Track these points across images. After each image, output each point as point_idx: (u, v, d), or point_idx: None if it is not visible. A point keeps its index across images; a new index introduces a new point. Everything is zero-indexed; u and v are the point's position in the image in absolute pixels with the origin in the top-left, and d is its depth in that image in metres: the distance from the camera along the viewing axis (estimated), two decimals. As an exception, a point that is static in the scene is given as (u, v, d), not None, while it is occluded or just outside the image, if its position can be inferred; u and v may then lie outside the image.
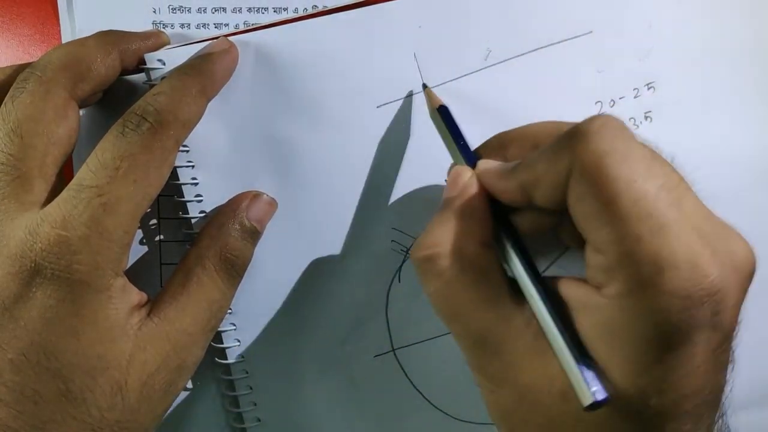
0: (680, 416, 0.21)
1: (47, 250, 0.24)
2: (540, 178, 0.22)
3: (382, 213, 0.31)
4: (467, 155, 0.27)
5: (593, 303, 0.21)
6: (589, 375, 0.21)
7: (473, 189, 0.25)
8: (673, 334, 0.20)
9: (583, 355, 0.21)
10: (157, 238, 0.32)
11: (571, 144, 0.21)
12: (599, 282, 0.21)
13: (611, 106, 0.31)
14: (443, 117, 0.28)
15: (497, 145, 0.27)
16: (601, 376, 0.21)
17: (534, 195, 0.23)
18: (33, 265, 0.24)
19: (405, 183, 0.31)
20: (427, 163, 0.31)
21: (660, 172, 0.21)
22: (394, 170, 0.31)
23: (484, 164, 0.26)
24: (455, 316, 0.23)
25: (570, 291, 0.22)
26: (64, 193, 0.25)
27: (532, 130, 0.26)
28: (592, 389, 0.20)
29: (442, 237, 0.24)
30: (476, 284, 0.23)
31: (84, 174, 0.25)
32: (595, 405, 0.20)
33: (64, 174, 0.28)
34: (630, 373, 0.20)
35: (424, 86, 0.30)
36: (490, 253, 0.24)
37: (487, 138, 0.28)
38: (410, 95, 0.31)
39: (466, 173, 0.26)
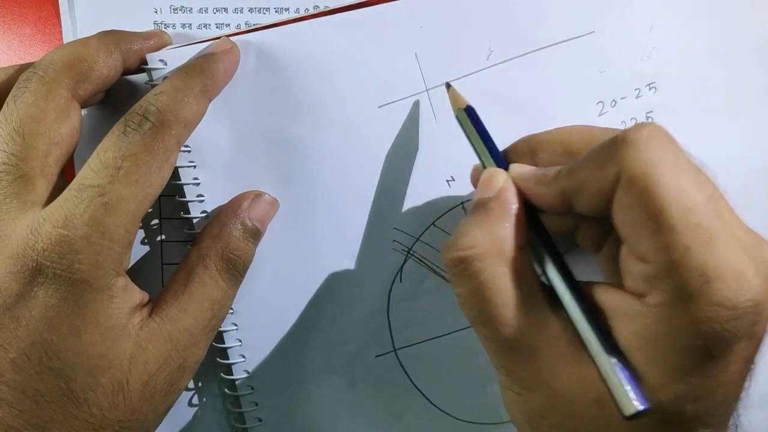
0: (711, 422, 0.21)
1: (49, 249, 0.24)
2: (584, 185, 0.22)
3: (384, 213, 0.31)
4: (497, 158, 0.26)
5: (633, 311, 0.21)
6: (631, 384, 0.21)
7: (510, 192, 0.25)
8: (717, 343, 0.20)
9: (622, 363, 0.21)
10: (159, 238, 0.32)
11: (618, 152, 0.21)
12: (641, 290, 0.21)
13: (613, 106, 0.31)
14: (471, 118, 0.27)
15: (526, 149, 0.26)
16: (640, 383, 0.21)
17: (576, 202, 0.23)
18: (35, 264, 0.24)
19: (405, 183, 0.31)
20: (428, 163, 0.31)
21: (707, 183, 0.21)
22: (395, 170, 0.31)
23: (519, 167, 0.26)
24: (488, 319, 0.23)
25: (607, 298, 0.22)
26: (65, 193, 0.25)
27: (563, 135, 0.26)
28: (632, 399, 0.20)
29: (477, 239, 0.23)
30: (512, 288, 0.23)
31: (86, 173, 0.25)
32: (636, 414, 0.20)
33: (66, 174, 0.28)
34: (669, 381, 0.20)
35: (448, 85, 0.29)
36: (526, 257, 0.24)
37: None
38: (416, 101, 0.30)
39: (501, 176, 0.25)
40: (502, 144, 0.27)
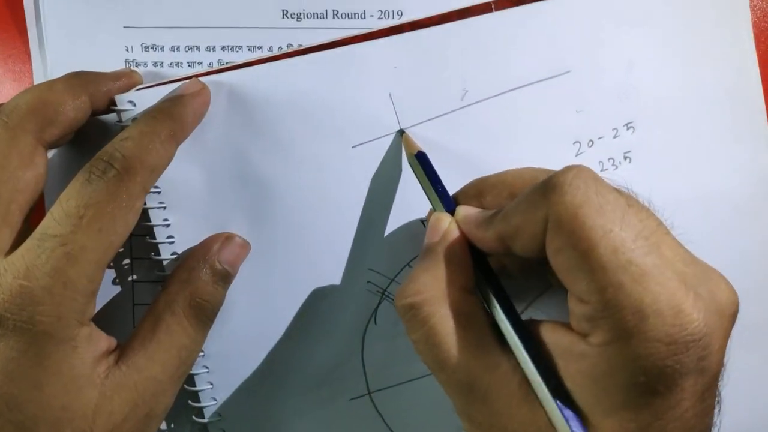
0: None
1: (9, 301, 0.24)
2: (517, 230, 0.23)
3: (358, 253, 0.31)
4: (446, 201, 0.27)
5: (578, 350, 0.21)
6: (575, 423, 0.20)
7: (454, 236, 0.25)
8: (660, 379, 0.20)
9: (568, 402, 0.21)
10: (130, 278, 0.31)
11: (545, 196, 0.21)
12: (584, 330, 0.21)
13: (590, 146, 0.31)
14: (421, 163, 0.28)
15: (474, 192, 0.27)
16: (587, 423, 0.21)
17: (512, 245, 0.23)
18: (-5, 316, 0.24)
19: (381, 223, 0.31)
20: (402, 203, 0.31)
21: (636, 219, 0.21)
22: (369, 210, 0.31)
23: (463, 210, 0.26)
24: (441, 363, 0.23)
25: (554, 337, 0.22)
26: (28, 242, 0.25)
27: (509, 178, 0.26)
28: None
29: (425, 284, 0.24)
30: (461, 331, 0.23)
31: (48, 223, 0.24)
32: None
33: (38, 212, 0.27)
34: (616, 419, 0.20)
35: (401, 132, 0.30)
36: (474, 299, 0.24)
37: (464, 180, 0.28)
38: (399, 131, 0.30)
39: (446, 220, 0.26)
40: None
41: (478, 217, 0.25)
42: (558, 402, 0.21)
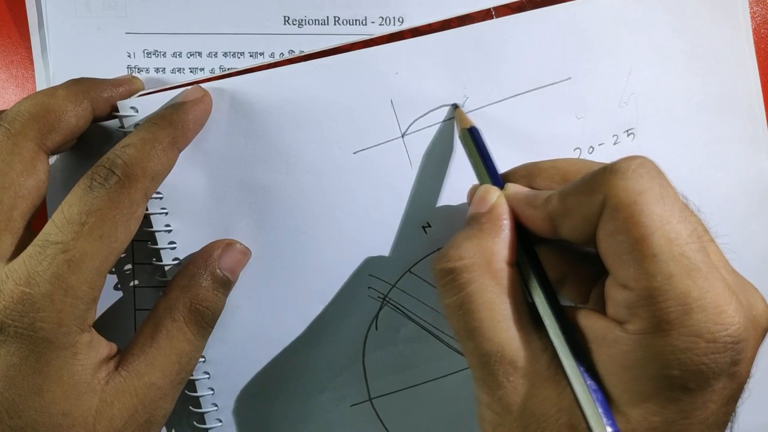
0: None
1: (10, 307, 0.24)
2: (571, 210, 0.23)
3: (360, 259, 0.31)
4: (495, 178, 0.27)
5: (612, 336, 0.21)
6: (604, 408, 0.20)
7: (502, 209, 0.25)
8: (693, 375, 0.20)
9: (597, 387, 0.21)
10: (132, 284, 0.31)
11: (605, 180, 0.21)
12: (621, 317, 0.21)
13: (590, 153, 0.31)
14: (473, 138, 0.28)
15: (524, 174, 0.27)
16: (614, 410, 0.21)
17: (562, 226, 0.23)
18: (-4, 322, 0.24)
19: (381, 230, 0.31)
20: (405, 209, 0.31)
21: (692, 217, 0.21)
22: (370, 216, 0.31)
23: (513, 188, 0.26)
24: (473, 331, 0.23)
25: (589, 322, 0.22)
26: (29, 249, 0.25)
27: (562, 164, 0.26)
28: (605, 423, 0.20)
29: (468, 250, 0.24)
30: (498, 302, 0.23)
31: (50, 229, 0.25)
32: None
33: (40, 219, 0.27)
34: (643, 410, 0.20)
35: (455, 106, 0.30)
36: (513, 273, 0.24)
37: (466, 184, 0.28)
38: (393, 140, 0.30)
39: (495, 193, 0.26)
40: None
41: (528, 195, 0.25)
42: (590, 382, 0.21)
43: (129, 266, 0.31)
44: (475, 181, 0.28)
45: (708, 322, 0.19)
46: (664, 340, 0.20)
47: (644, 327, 0.20)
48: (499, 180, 0.27)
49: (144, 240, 0.30)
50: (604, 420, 0.20)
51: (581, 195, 0.22)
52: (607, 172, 0.21)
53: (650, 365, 0.20)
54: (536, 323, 0.23)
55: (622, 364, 0.21)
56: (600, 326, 0.22)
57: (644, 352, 0.20)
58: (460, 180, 0.30)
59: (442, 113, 0.30)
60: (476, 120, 0.30)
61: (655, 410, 0.20)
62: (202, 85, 0.29)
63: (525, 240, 0.25)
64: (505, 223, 0.25)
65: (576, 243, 0.24)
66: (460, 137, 0.29)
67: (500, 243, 0.24)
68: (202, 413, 0.31)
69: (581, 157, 0.31)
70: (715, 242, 0.22)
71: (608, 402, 0.21)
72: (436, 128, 0.30)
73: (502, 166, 0.30)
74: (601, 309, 0.23)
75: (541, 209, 0.24)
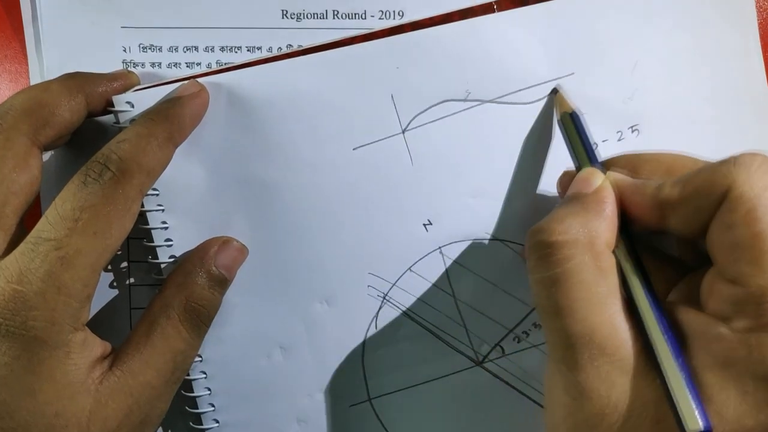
0: None
1: (2, 306, 0.23)
2: (686, 200, 0.23)
3: (359, 257, 0.30)
4: (597, 164, 0.26)
5: (714, 333, 0.21)
6: (698, 405, 0.20)
7: (609, 191, 0.25)
8: None
9: (692, 383, 0.21)
10: (127, 282, 0.31)
11: (730, 172, 0.21)
12: (724, 313, 0.21)
13: (594, 149, 0.30)
14: (575, 123, 0.28)
15: (626, 164, 0.26)
16: (707, 406, 0.20)
17: (672, 215, 0.23)
18: (-13, 321, 0.23)
19: (381, 227, 0.30)
20: (405, 206, 0.30)
21: None
22: (370, 214, 0.30)
23: (616, 174, 0.26)
24: (563, 310, 0.23)
25: (687, 317, 0.22)
26: (22, 246, 0.24)
27: (666, 159, 0.26)
28: (698, 416, 0.20)
29: (571, 226, 0.23)
30: (594, 284, 0.23)
31: (43, 226, 0.24)
32: None
33: (33, 214, 0.27)
34: (739, 411, 0.20)
35: (555, 90, 0.29)
36: (613, 258, 0.24)
37: (470, 180, 0.28)
38: (393, 136, 0.30)
39: (600, 176, 0.26)
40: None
41: (636, 182, 0.25)
42: (686, 376, 0.20)
43: (125, 264, 0.31)
44: (564, 168, 0.28)
45: None
46: None
47: (751, 325, 0.20)
48: (601, 167, 0.26)
49: (140, 237, 0.30)
50: (697, 413, 0.20)
51: (701, 184, 0.22)
52: (731, 164, 0.21)
53: (755, 365, 0.20)
54: (629, 313, 0.23)
55: (722, 362, 0.20)
56: (700, 321, 0.22)
57: (748, 352, 0.20)
58: (462, 177, 0.30)
59: (444, 108, 0.30)
60: (478, 115, 0.30)
61: (750, 412, 0.20)
62: (199, 79, 0.29)
63: (625, 228, 0.24)
64: (611, 207, 0.24)
65: (681, 234, 0.23)
66: (559, 121, 0.29)
67: (604, 225, 0.24)
68: (199, 414, 0.30)
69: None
70: None
71: (701, 397, 0.20)
72: (437, 124, 0.30)
73: (506, 164, 0.30)
74: (687, 292, 0.23)
75: (650, 197, 0.24)
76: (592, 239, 0.23)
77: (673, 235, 0.25)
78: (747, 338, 0.20)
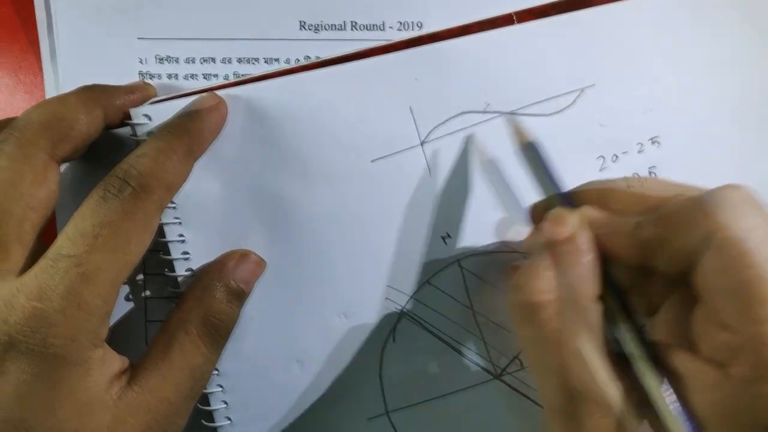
0: None
1: (22, 323, 0.23)
2: (668, 241, 0.21)
3: (377, 270, 0.30)
4: (566, 199, 0.25)
5: (712, 380, 0.20)
6: None
7: (584, 236, 0.23)
8: None
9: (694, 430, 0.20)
10: (143, 295, 0.31)
11: (712, 212, 0.20)
12: (721, 359, 0.20)
13: (614, 161, 0.30)
14: (537, 153, 0.26)
15: (597, 196, 0.25)
16: None
17: (655, 256, 0.22)
18: (7, 338, 0.23)
19: (399, 239, 0.30)
20: (424, 219, 0.30)
21: None
22: (388, 226, 0.30)
23: (590, 211, 0.24)
24: (555, 368, 0.22)
25: (682, 363, 0.21)
26: (41, 262, 0.24)
27: (639, 186, 0.24)
28: None
29: (551, 283, 0.23)
30: (585, 339, 0.22)
31: (62, 242, 0.24)
32: None
33: (50, 229, 0.27)
34: None
35: (512, 117, 0.28)
36: (598, 308, 0.23)
37: (489, 194, 0.27)
38: (412, 148, 0.29)
39: (574, 218, 0.24)
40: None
41: (612, 220, 0.23)
42: (691, 427, 0.20)
43: (140, 276, 0.31)
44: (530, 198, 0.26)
45: None
46: None
47: (751, 374, 0.19)
48: (571, 200, 0.25)
49: (156, 250, 0.29)
50: None
51: (681, 226, 0.21)
52: (710, 204, 0.20)
53: (756, 414, 0.19)
54: (621, 361, 0.22)
55: (722, 411, 0.20)
56: (696, 368, 0.21)
57: (749, 400, 0.19)
58: (481, 190, 0.30)
59: (463, 120, 0.30)
60: (497, 128, 0.30)
61: None
62: (217, 92, 0.28)
63: (606, 272, 0.23)
64: (590, 253, 0.23)
65: (667, 273, 0.22)
66: (519, 152, 0.27)
67: (586, 276, 0.23)
68: (216, 427, 0.30)
69: (605, 167, 0.30)
70: None
71: None
72: (456, 136, 0.29)
73: (526, 176, 0.30)
74: (678, 331, 0.22)
75: (630, 237, 0.22)
76: (575, 295, 0.22)
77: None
78: (746, 387, 0.19)
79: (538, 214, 0.26)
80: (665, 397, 0.21)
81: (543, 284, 0.22)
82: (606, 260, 0.23)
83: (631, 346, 0.22)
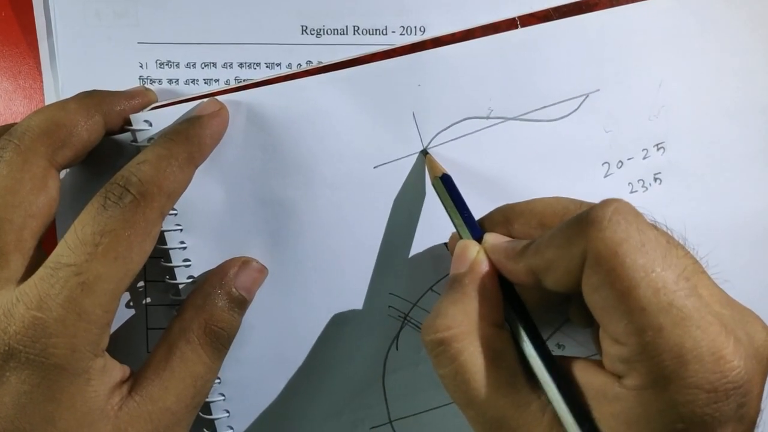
0: None
1: (21, 333, 0.23)
2: (551, 264, 0.22)
3: (379, 277, 0.30)
4: (472, 227, 0.26)
5: (612, 393, 0.20)
6: None
7: (483, 266, 0.24)
8: (698, 427, 0.19)
9: None
10: (144, 302, 0.30)
11: (582, 231, 0.20)
12: (618, 371, 0.20)
13: (619, 167, 0.30)
14: (446, 186, 0.27)
15: (501, 219, 0.26)
16: None
17: (544, 279, 0.22)
18: (7, 348, 0.23)
19: (403, 247, 0.30)
20: (425, 226, 0.30)
21: (676, 259, 0.20)
22: (391, 233, 0.30)
23: (491, 238, 0.25)
24: (470, 401, 0.22)
25: (586, 377, 0.21)
26: (41, 270, 0.24)
27: (538, 207, 0.25)
28: None
29: (454, 319, 0.23)
30: (492, 368, 0.22)
31: (62, 250, 0.24)
32: None
33: (50, 236, 0.26)
34: None
35: (425, 152, 0.29)
36: (504, 333, 0.23)
37: (490, 202, 0.27)
38: (420, 154, 0.29)
39: (473, 248, 0.25)
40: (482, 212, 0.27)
41: (507, 247, 0.24)
42: None
43: (141, 284, 0.30)
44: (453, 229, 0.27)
45: (706, 372, 0.18)
46: (663, 394, 0.19)
47: (642, 382, 0.19)
48: (477, 229, 0.26)
49: (157, 257, 0.29)
50: None
51: (559, 248, 0.21)
52: (582, 224, 0.20)
53: (653, 421, 0.19)
54: (532, 382, 0.22)
55: (624, 421, 0.20)
56: (599, 381, 0.21)
57: (645, 408, 0.19)
58: (484, 195, 0.29)
59: (466, 126, 0.29)
60: (501, 133, 0.29)
61: None
62: (218, 97, 0.28)
63: (510, 293, 0.24)
64: (488, 282, 0.24)
65: (563, 294, 0.22)
66: (433, 185, 0.28)
67: (486, 304, 0.23)
68: (217, 436, 0.30)
69: (610, 173, 0.30)
70: (706, 273, 0.21)
71: None
72: (459, 142, 0.29)
73: (530, 183, 0.30)
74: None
75: (522, 262, 0.23)
76: (476, 326, 0.23)
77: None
78: (640, 396, 0.19)
79: (454, 246, 0.26)
80: (569, 414, 0.20)
81: (447, 320, 0.23)
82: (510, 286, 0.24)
83: (536, 368, 0.22)
